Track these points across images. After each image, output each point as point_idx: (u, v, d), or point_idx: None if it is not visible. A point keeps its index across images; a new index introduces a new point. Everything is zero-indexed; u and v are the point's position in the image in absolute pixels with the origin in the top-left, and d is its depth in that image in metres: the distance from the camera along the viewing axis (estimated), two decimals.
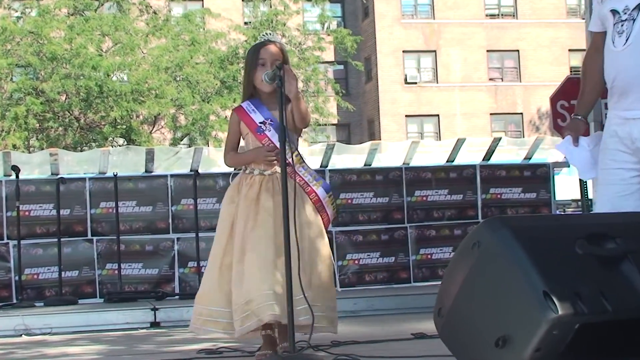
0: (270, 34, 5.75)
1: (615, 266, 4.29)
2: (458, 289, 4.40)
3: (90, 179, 11.54)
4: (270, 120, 5.43)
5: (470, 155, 13.45)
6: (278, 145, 5.24)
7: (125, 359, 5.88)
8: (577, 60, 41.25)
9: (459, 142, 13.02)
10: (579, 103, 5.19)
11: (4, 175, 11.73)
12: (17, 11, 31.00)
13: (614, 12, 4.78)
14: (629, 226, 4.54)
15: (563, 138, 5.34)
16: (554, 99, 10.82)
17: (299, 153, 5.49)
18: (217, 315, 5.23)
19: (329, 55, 35.51)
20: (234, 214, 5.34)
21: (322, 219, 5.45)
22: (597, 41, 4.91)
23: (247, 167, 5.48)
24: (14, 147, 26.77)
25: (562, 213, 14.76)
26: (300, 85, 30.34)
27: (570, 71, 39.35)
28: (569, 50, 41.56)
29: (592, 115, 9.32)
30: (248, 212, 5.30)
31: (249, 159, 5.45)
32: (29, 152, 25.45)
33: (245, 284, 5.11)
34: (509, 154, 14.50)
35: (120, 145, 27.86)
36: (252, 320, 5.10)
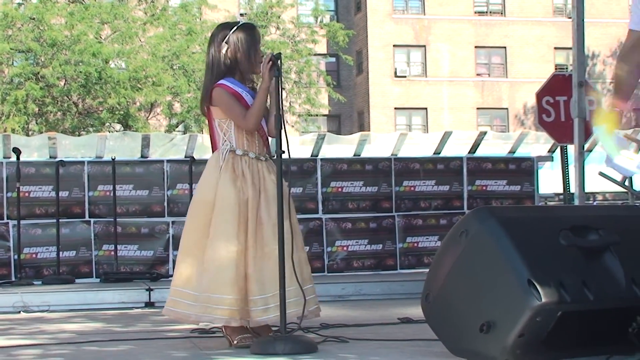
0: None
1: (597, 257, 4.34)
2: (445, 276, 4.44)
3: (88, 162, 11.53)
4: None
5: (457, 148, 13.47)
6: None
7: (122, 336, 5.90)
8: (562, 58, 41.35)
9: (446, 135, 13.05)
10: (622, 97, 4.75)
11: (4, 158, 11.71)
12: None
13: None
14: (611, 218, 4.58)
15: (594, 123, 4.76)
16: (539, 95, 10.85)
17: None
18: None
19: (321, 47, 35.52)
20: (242, 200, 5.20)
21: None
22: (635, 39, 4.76)
23: (238, 148, 5.33)
24: (13, 131, 26.71)
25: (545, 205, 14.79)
26: (293, 76, 30.35)
27: (555, 68, 39.43)
28: (555, 48, 41.61)
29: (576, 110, 9.37)
30: (266, 204, 5.25)
31: (264, 92, 5.22)
32: (28, 136, 25.39)
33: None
34: (494, 147, 14.52)
35: (117, 131, 27.81)
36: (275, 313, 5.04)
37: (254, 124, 5.31)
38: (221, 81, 5.35)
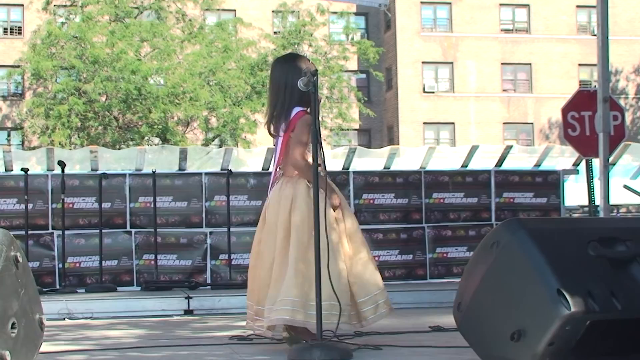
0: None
1: (625, 268, 4.32)
2: (477, 285, 4.42)
3: (130, 175, 11.59)
4: None
5: (483, 162, 13.46)
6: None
7: (163, 342, 5.93)
8: (586, 74, 41.15)
9: (473, 149, 13.03)
10: None
11: (49, 170, 11.80)
12: (62, 17, 31.20)
13: None
14: (638, 230, 4.56)
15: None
16: (565, 110, 10.80)
17: None
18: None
19: (352, 64, 35.54)
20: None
21: None
22: None
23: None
24: (60, 144, 26.93)
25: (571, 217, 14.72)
26: (325, 92, 30.40)
27: (579, 84, 39.25)
28: (579, 64, 41.43)
29: (600, 125, 9.35)
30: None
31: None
32: (70, 149, 25.58)
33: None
34: (520, 161, 14.49)
35: (155, 145, 27.98)
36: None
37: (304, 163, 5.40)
38: (302, 108, 5.45)
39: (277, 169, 5.58)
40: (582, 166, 12.15)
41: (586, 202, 11.81)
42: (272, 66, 5.74)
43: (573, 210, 15.33)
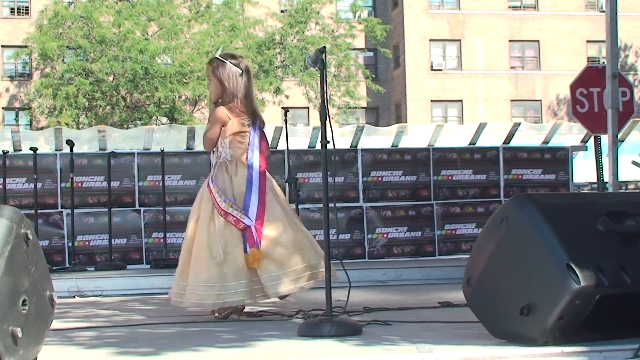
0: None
1: (634, 242, 4.32)
2: (486, 261, 4.43)
3: (138, 154, 11.62)
4: None
5: (491, 139, 13.43)
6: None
7: (173, 319, 5.95)
8: (594, 51, 41.00)
9: (481, 126, 13.01)
10: None
11: (57, 150, 11.83)
12: None
13: None
14: None
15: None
16: (573, 87, 10.77)
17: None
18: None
19: (359, 42, 35.44)
20: None
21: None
22: None
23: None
24: (67, 124, 26.95)
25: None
26: (333, 70, 30.34)
27: (588, 61, 39.09)
28: (587, 41, 41.25)
29: (609, 101, 9.31)
30: None
31: None
32: (79, 129, 25.59)
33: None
34: (528, 138, 14.43)
35: (163, 124, 27.98)
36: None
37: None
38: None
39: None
40: (591, 143, 12.13)
41: (595, 179, 11.80)
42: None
43: (581, 186, 15.29)
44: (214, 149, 6.07)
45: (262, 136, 6.10)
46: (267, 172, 6.05)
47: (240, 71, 6.01)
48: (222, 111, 5.95)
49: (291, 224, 5.98)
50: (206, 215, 5.93)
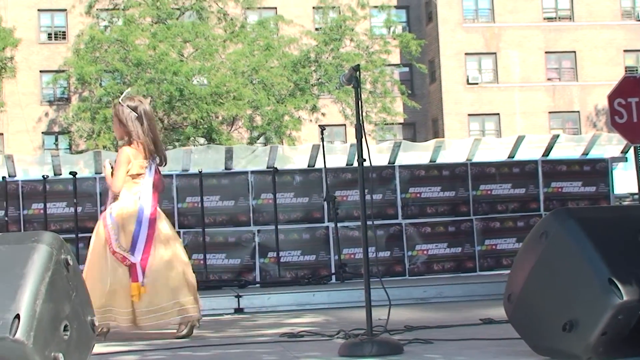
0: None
1: None
2: (527, 277, 4.40)
3: (176, 175, 11.67)
4: None
5: (530, 152, 13.36)
6: None
7: (214, 341, 5.96)
8: (632, 60, 40.71)
9: (519, 139, 12.95)
10: None
11: (97, 173, 11.90)
12: (104, 20, 31.44)
13: None
14: None
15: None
16: (611, 97, 10.69)
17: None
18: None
19: (394, 58, 35.42)
20: None
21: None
22: None
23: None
24: (105, 147, 27.15)
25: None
26: (368, 86, 30.34)
27: (625, 70, 38.82)
28: (624, 50, 40.98)
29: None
30: None
31: None
32: (117, 152, 25.74)
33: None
34: (567, 150, 14.35)
35: (201, 145, 28.11)
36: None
37: None
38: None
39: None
40: (631, 153, 12.03)
41: (636, 190, 11.69)
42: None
43: (623, 198, 15.15)
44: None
45: (157, 171, 6.70)
46: (158, 208, 6.69)
47: (137, 115, 6.58)
48: (125, 153, 6.56)
49: (171, 260, 6.54)
50: (100, 248, 6.45)
